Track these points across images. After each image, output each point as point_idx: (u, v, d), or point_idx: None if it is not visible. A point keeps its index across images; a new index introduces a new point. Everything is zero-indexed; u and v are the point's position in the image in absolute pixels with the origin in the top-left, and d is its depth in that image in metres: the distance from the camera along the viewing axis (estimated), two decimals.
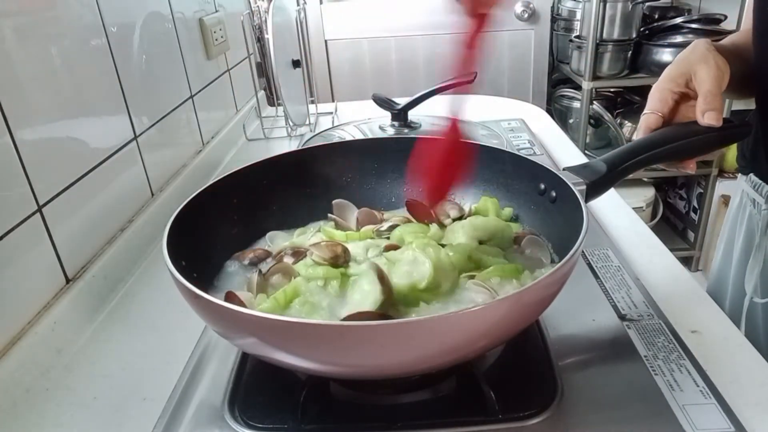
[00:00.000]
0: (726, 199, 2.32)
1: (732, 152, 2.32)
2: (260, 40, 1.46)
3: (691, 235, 2.56)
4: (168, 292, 0.67)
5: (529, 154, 1.11)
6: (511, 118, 1.36)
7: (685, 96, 0.68)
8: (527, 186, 0.70)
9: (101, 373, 0.63)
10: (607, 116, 2.36)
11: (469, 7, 0.52)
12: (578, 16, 2.37)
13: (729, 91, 0.69)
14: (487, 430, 0.51)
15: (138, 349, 0.67)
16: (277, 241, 0.71)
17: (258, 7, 1.39)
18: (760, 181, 0.80)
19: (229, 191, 0.70)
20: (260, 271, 0.61)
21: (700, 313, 0.66)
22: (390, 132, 1.14)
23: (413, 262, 0.56)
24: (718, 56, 0.66)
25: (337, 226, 0.72)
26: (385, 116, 1.17)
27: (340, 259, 0.61)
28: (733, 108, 2.12)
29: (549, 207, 0.66)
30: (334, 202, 0.76)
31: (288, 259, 0.64)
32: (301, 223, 0.74)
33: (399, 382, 0.56)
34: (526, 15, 2.30)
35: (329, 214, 0.75)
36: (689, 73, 0.66)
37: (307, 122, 1.39)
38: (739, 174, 0.87)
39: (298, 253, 0.65)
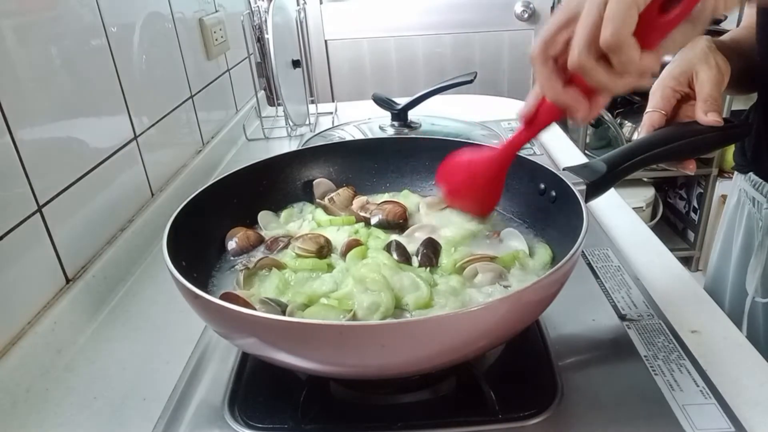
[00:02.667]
0: (726, 199, 2.32)
1: (732, 152, 2.32)
2: (260, 40, 1.46)
3: (691, 235, 2.56)
4: (168, 292, 0.67)
5: (529, 154, 1.11)
6: (511, 118, 1.36)
7: (686, 95, 0.68)
8: (527, 186, 0.70)
9: (101, 373, 0.63)
10: (607, 116, 2.36)
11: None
12: None
13: (729, 88, 0.69)
14: (487, 430, 0.51)
15: (138, 349, 0.67)
16: (270, 224, 0.73)
17: (258, 7, 1.38)
18: (761, 180, 0.80)
19: (229, 191, 0.70)
20: (247, 267, 0.62)
21: (700, 313, 0.66)
22: (390, 132, 1.14)
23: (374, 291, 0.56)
24: (719, 55, 0.66)
25: (327, 211, 0.74)
26: (385, 116, 1.17)
27: (324, 250, 0.65)
28: (733, 108, 2.12)
29: (549, 207, 0.66)
30: (315, 182, 0.78)
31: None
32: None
33: (399, 382, 0.56)
34: (526, 15, 2.29)
35: (317, 200, 0.76)
36: (691, 72, 0.66)
37: (307, 122, 1.39)
38: (735, 172, 0.86)
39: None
